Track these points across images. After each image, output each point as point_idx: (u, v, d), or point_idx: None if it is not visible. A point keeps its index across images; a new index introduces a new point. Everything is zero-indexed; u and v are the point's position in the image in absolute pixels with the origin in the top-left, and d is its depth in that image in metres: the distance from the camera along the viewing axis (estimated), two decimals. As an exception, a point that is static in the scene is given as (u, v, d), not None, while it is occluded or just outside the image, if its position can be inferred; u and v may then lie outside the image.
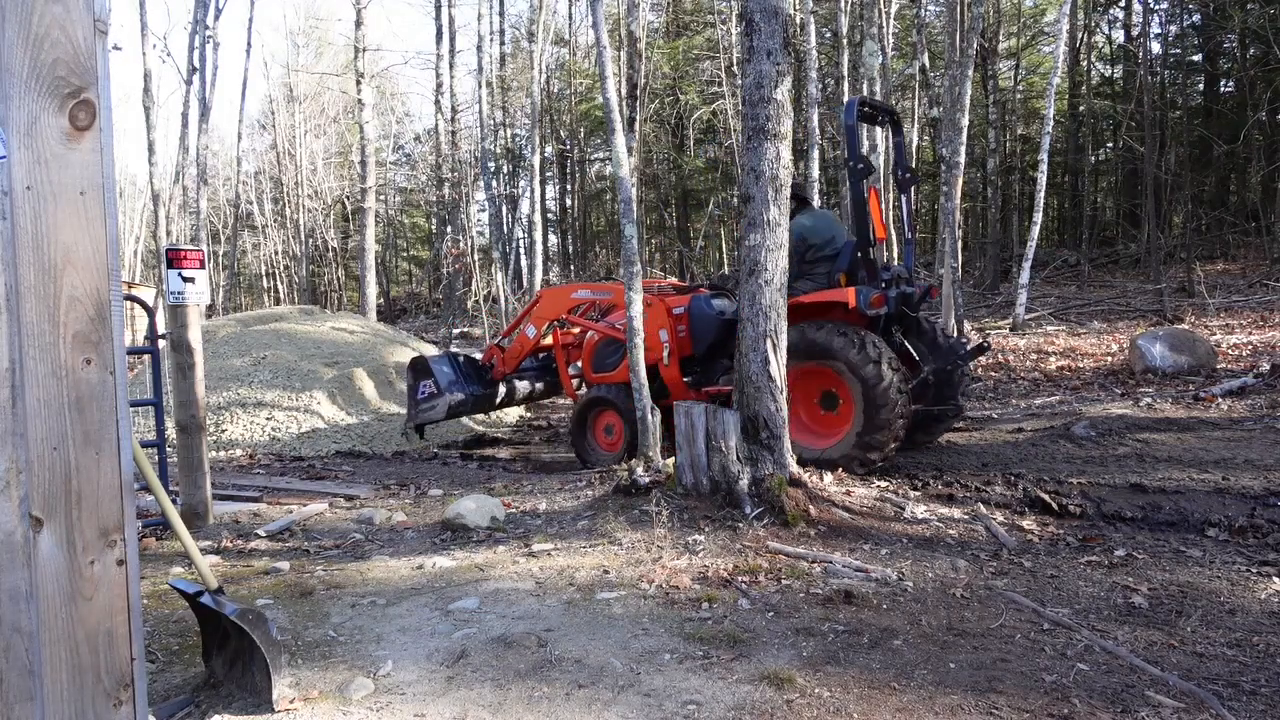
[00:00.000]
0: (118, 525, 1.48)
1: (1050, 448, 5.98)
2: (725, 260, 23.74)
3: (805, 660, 2.88)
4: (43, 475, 1.39)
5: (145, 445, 4.17)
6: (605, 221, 31.76)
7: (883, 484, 5.12)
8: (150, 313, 5.19)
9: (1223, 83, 22.78)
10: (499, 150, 25.86)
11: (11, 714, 1.36)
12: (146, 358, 5.74)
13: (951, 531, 4.29)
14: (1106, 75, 26.31)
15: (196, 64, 15.39)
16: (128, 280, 23.77)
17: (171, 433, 5.55)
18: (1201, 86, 23.14)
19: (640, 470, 4.96)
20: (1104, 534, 4.22)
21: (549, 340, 7.90)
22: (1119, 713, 2.50)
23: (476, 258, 19.69)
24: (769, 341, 4.67)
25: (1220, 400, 7.28)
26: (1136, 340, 9.10)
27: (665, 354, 6.52)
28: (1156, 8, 21.87)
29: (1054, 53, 15.93)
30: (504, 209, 22.56)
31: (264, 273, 35.32)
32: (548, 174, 30.32)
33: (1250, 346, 9.78)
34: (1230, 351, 9.54)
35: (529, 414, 10.66)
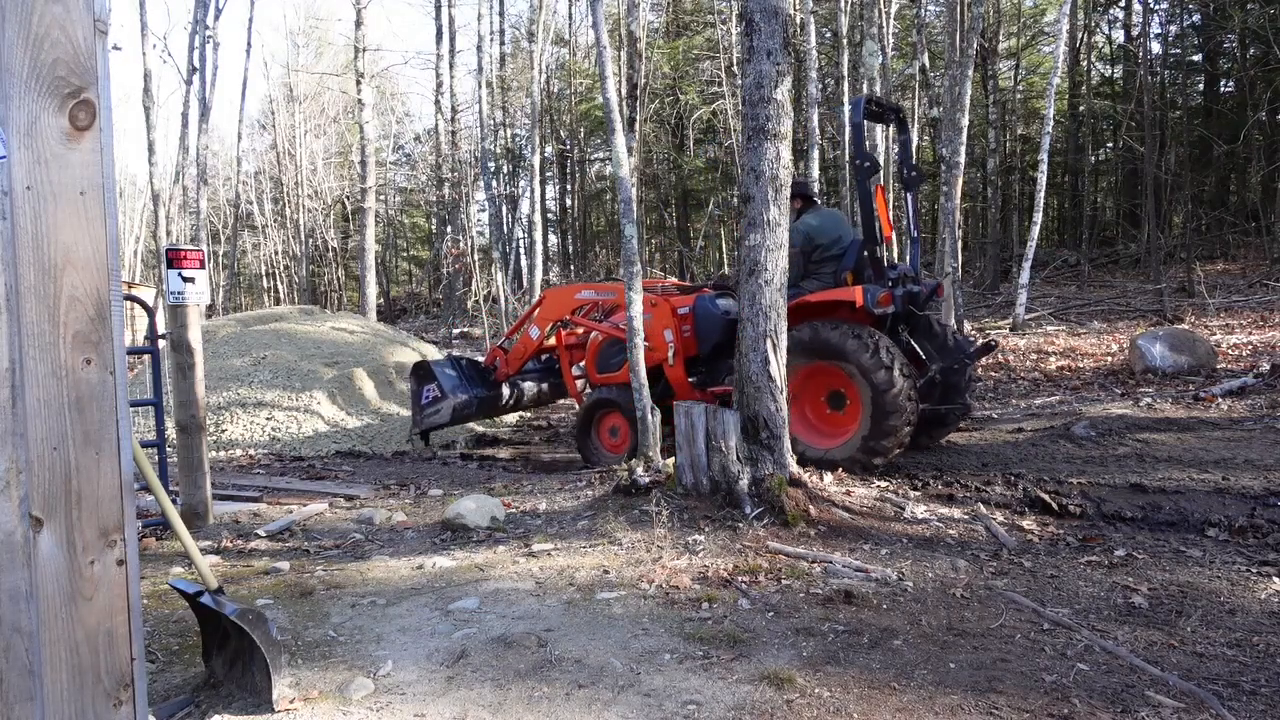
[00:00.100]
0: (118, 525, 1.48)
1: (1050, 448, 5.98)
2: (725, 260, 23.75)
3: (805, 660, 2.88)
4: (43, 475, 1.39)
5: (145, 445, 4.17)
6: (605, 221, 31.76)
7: (883, 484, 5.12)
8: (150, 313, 5.19)
9: (1223, 83, 22.78)
10: (499, 150, 25.86)
11: (11, 714, 1.36)
12: (146, 358, 5.74)
13: (951, 531, 4.29)
14: (1106, 75, 26.32)
15: (196, 64, 15.39)
16: (128, 280, 23.77)
17: (171, 433, 5.55)
18: (1201, 86, 23.13)
19: (640, 470, 4.96)
20: (1104, 534, 4.22)
21: (552, 341, 7.87)
22: (1119, 713, 2.50)
23: (476, 258, 19.68)
24: (769, 341, 4.67)
25: (1220, 400, 7.28)
26: (1136, 340, 9.10)
27: (670, 354, 6.51)
28: (1156, 8, 21.88)
29: (1054, 53, 15.93)
30: (504, 209, 22.56)
31: (264, 273, 35.31)
32: (548, 174, 30.32)
33: (1250, 346, 9.78)
34: (1230, 351, 9.54)
35: (529, 414, 10.66)
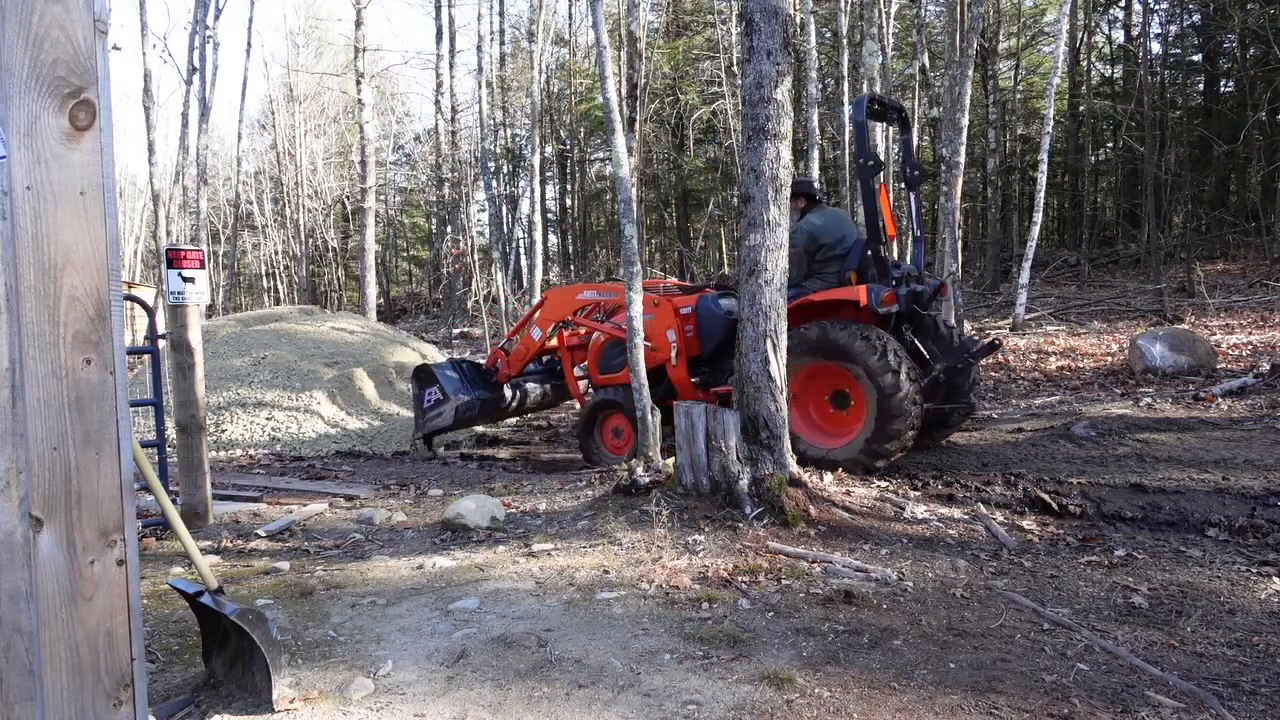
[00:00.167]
0: (118, 525, 1.48)
1: (1050, 448, 5.98)
2: (725, 260, 23.74)
3: (805, 660, 2.88)
4: (43, 475, 1.39)
5: (145, 445, 4.17)
6: (605, 221, 31.76)
7: (883, 484, 5.12)
8: (150, 313, 5.19)
9: (1223, 83, 22.78)
10: (499, 150, 25.86)
11: (11, 714, 1.36)
12: (146, 358, 5.74)
13: (951, 531, 4.29)
14: (1106, 75, 26.31)
15: (196, 64, 15.39)
16: (128, 280, 23.78)
17: (171, 433, 5.55)
18: (1201, 86, 23.13)
19: (640, 470, 4.96)
20: (1104, 534, 4.22)
21: (554, 343, 7.84)
22: (1119, 713, 2.50)
23: (476, 258, 19.68)
24: (769, 341, 4.67)
25: (1220, 400, 7.28)
26: (1136, 340, 9.10)
27: (673, 354, 6.50)
28: (1156, 8, 21.88)
29: (1054, 53, 15.93)
30: (504, 209, 22.56)
31: (264, 273, 35.32)
32: (548, 174, 30.32)
33: (1250, 346, 9.78)
34: (1230, 351, 9.54)
35: (529, 415, 10.65)
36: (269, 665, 2.61)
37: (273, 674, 2.62)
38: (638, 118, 15.80)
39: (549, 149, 28.91)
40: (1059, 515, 4.46)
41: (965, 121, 12.62)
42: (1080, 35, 24.66)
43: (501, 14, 24.88)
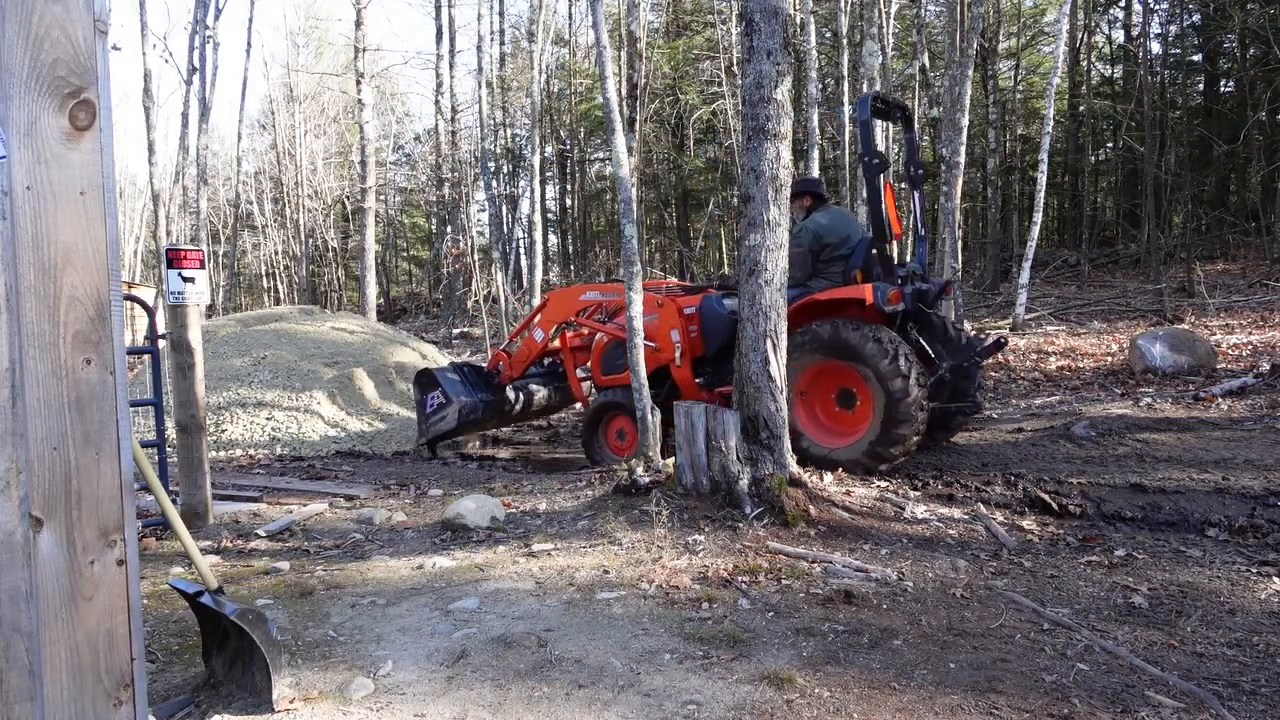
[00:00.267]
0: (118, 525, 1.48)
1: (1050, 448, 5.98)
2: (725, 260, 23.75)
3: (805, 660, 2.88)
4: (43, 475, 1.39)
5: (145, 445, 4.17)
6: (605, 221, 31.76)
7: (883, 484, 5.12)
8: (150, 313, 5.19)
9: (1223, 83, 22.78)
10: (499, 150, 25.86)
11: (11, 714, 1.36)
12: (146, 358, 5.74)
13: (951, 531, 4.29)
14: (1106, 75, 26.32)
15: (196, 64, 15.39)
16: (128, 280, 23.78)
17: (171, 433, 5.55)
18: (1201, 86, 23.13)
19: (640, 470, 4.96)
20: (1104, 534, 4.22)
21: (555, 344, 7.82)
22: (1119, 713, 2.50)
23: (476, 258, 19.67)
24: (769, 341, 4.67)
25: (1220, 400, 7.28)
26: (1136, 340, 9.10)
27: (678, 355, 6.48)
28: (1156, 8, 21.88)
29: (1054, 53, 15.93)
30: (504, 209, 22.56)
31: (264, 273, 35.32)
32: (548, 174, 30.32)
33: (1250, 346, 9.78)
34: (1230, 351, 9.54)
35: (529, 414, 10.64)
36: (269, 665, 2.61)
37: (273, 674, 2.62)
38: (638, 118, 15.81)
39: (549, 149, 28.91)
40: (1059, 515, 4.46)
41: (965, 121, 12.62)
42: (1080, 35, 24.66)
43: (501, 14, 24.91)
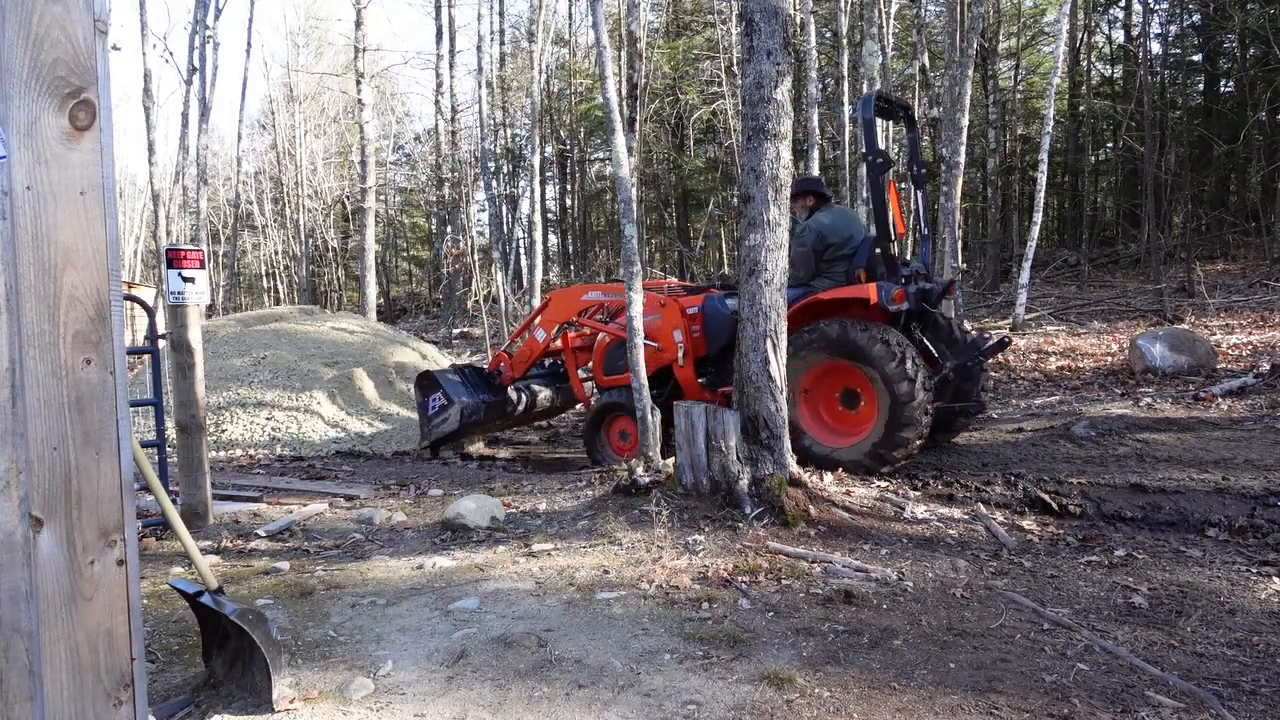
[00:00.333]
0: (118, 525, 1.48)
1: (1050, 448, 5.98)
2: (725, 260, 23.75)
3: (805, 660, 2.88)
4: (43, 475, 1.39)
5: (145, 445, 4.17)
6: (605, 221, 31.76)
7: (883, 484, 5.12)
8: (150, 313, 5.19)
9: (1223, 83, 22.78)
10: (499, 150, 25.86)
11: (11, 714, 1.36)
12: (146, 358, 5.74)
13: (951, 531, 4.29)
14: (1106, 75, 26.32)
15: (196, 64, 15.39)
16: (128, 280, 23.78)
17: (171, 433, 5.55)
18: (1201, 86, 23.13)
19: (640, 470, 4.96)
20: (1104, 534, 4.22)
21: (556, 344, 7.80)
22: (1119, 713, 2.50)
23: (476, 258, 19.67)
24: (769, 341, 4.67)
25: (1220, 400, 7.28)
26: (1136, 340, 9.10)
27: (680, 355, 6.48)
28: (1156, 8, 21.88)
29: (1054, 53, 15.93)
30: (504, 209, 22.56)
31: (264, 273, 35.32)
32: (548, 174, 30.32)
33: (1250, 346, 9.78)
34: (1230, 351, 9.54)
35: (529, 414, 10.63)
36: (269, 665, 2.61)
37: (273, 674, 2.62)
38: (638, 118, 15.81)
39: (549, 149, 28.91)
40: (1059, 515, 4.46)
41: (965, 121, 12.62)
42: (1080, 35, 24.66)
43: (501, 14, 24.91)
